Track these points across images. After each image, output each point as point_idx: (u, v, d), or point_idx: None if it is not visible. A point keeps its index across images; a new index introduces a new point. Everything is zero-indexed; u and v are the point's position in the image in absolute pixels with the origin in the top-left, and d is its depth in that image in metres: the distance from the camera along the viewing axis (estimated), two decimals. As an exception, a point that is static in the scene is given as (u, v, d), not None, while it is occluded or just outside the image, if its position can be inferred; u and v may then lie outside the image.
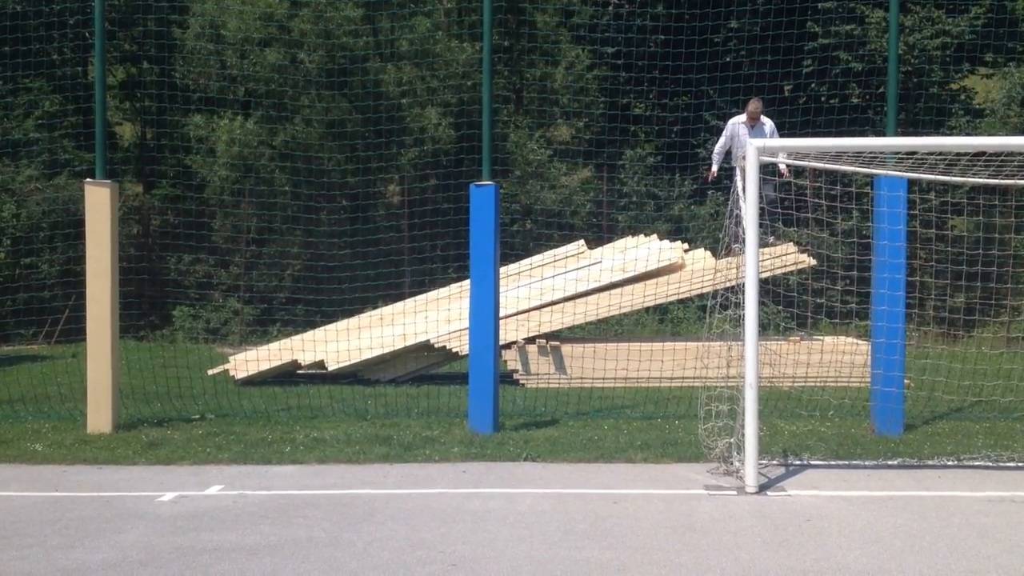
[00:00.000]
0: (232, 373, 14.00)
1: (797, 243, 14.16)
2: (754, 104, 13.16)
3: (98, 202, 10.52)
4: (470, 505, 7.58)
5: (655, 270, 14.11)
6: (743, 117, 13.29)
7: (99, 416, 10.45)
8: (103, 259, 10.47)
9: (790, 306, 13.17)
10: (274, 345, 14.69)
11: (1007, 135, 18.34)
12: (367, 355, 13.68)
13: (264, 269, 20.63)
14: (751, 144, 8.26)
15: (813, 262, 13.80)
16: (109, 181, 10.64)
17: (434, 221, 17.74)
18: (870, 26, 20.79)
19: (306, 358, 13.88)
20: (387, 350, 13.73)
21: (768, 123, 13.24)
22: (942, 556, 6.27)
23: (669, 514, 7.27)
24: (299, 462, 9.18)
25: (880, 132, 17.80)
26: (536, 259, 15.07)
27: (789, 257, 13.64)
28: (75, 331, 15.06)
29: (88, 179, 10.72)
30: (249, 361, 14.05)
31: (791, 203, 11.84)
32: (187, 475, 8.75)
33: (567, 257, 14.85)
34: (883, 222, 9.94)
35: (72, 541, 6.70)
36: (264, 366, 13.88)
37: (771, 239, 13.64)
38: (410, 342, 13.74)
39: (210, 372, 14.20)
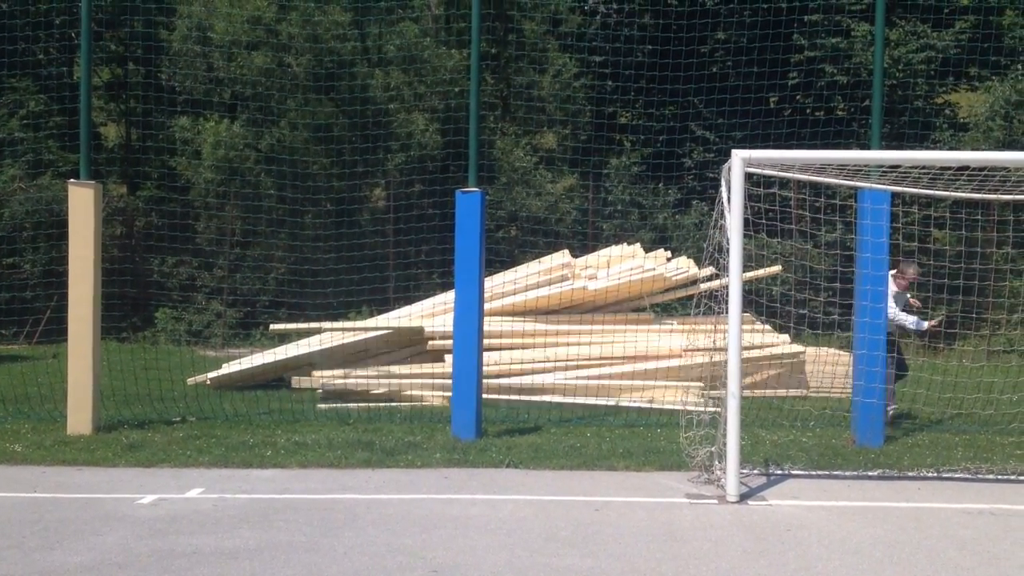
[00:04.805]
0: (207, 385, 13.78)
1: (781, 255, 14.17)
2: None
3: (82, 202, 10.48)
4: (452, 511, 7.57)
5: (637, 285, 14.11)
6: None
7: (79, 417, 10.40)
8: (86, 260, 10.43)
9: (773, 317, 13.21)
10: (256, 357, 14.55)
11: (990, 149, 18.52)
12: (350, 338, 13.66)
13: (248, 272, 20.56)
14: (736, 155, 8.29)
15: (800, 352, 13.81)
16: (93, 182, 10.61)
17: (419, 227, 17.75)
18: (855, 39, 20.95)
19: (288, 352, 13.85)
20: (371, 335, 13.70)
21: None
22: (921, 567, 6.30)
23: (650, 522, 7.28)
24: (280, 466, 9.15)
25: (864, 145, 17.94)
26: (520, 274, 14.69)
27: (777, 348, 13.62)
28: (56, 331, 14.97)
29: (72, 179, 10.67)
30: (233, 374, 13.92)
31: (776, 215, 11.86)
32: (167, 478, 8.71)
33: (551, 274, 14.48)
34: (866, 234, 10.00)
35: (51, 543, 6.65)
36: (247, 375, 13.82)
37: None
38: (393, 324, 13.72)
39: (190, 382, 13.88)
